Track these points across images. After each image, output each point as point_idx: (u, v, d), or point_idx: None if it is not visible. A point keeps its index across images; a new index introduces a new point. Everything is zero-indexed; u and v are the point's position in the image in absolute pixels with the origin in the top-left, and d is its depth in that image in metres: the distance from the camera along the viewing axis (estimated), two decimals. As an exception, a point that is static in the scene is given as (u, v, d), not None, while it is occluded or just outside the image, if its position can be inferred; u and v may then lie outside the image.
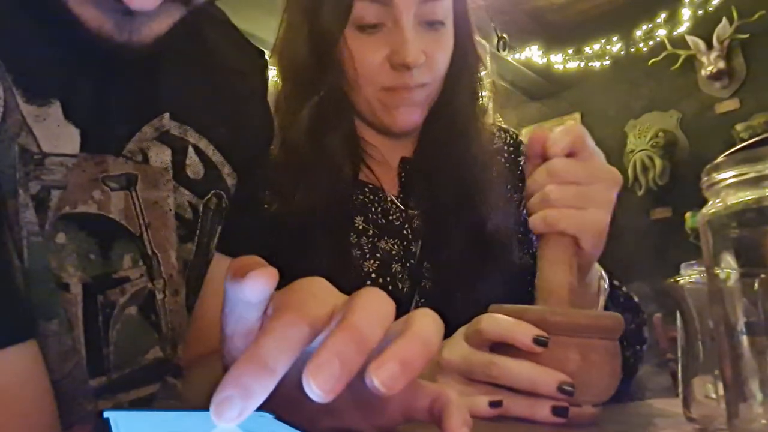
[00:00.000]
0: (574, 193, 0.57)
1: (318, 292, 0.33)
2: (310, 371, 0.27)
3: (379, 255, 0.76)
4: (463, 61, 0.80)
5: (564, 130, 0.58)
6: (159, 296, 0.49)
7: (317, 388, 0.27)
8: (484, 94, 0.83)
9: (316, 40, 0.75)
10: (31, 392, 0.40)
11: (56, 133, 0.42)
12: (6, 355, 0.38)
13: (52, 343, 0.41)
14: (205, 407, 0.27)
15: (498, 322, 0.52)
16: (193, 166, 0.52)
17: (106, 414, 0.28)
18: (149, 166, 0.49)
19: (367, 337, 0.29)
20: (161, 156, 0.50)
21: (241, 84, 0.60)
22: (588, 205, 0.57)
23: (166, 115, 0.51)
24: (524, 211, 0.75)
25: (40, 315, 0.40)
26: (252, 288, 0.30)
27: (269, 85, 0.67)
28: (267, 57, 0.66)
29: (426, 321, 0.32)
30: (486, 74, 0.83)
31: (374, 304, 0.31)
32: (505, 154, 0.87)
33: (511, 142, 0.90)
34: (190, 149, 0.52)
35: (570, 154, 0.58)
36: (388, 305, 0.31)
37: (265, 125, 0.65)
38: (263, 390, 0.27)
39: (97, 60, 0.44)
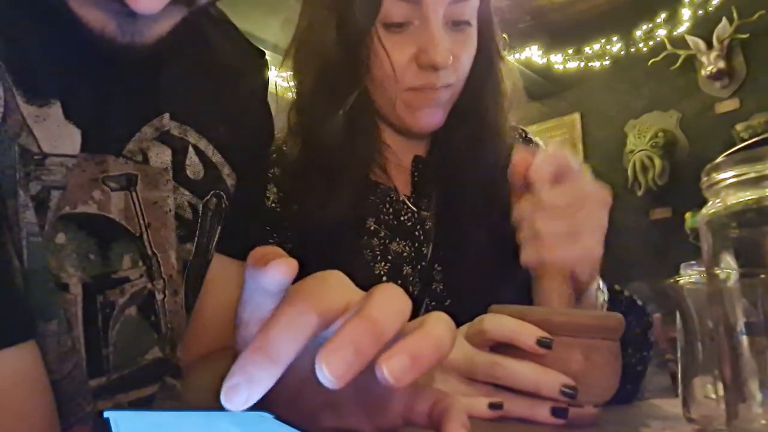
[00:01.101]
0: (565, 224, 0.56)
1: (335, 285, 0.33)
2: (324, 355, 0.27)
3: (390, 257, 0.75)
4: (487, 62, 0.79)
5: (547, 157, 0.57)
6: (158, 296, 0.49)
7: (329, 373, 0.27)
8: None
9: (345, 36, 0.73)
10: (30, 393, 0.39)
11: (56, 134, 0.42)
12: (5, 355, 0.38)
13: (51, 344, 0.41)
14: (205, 407, 0.27)
15: (502, 322, 0.52)
16: (193, 167, 0.52)
17: (106, 414, 0.28)
18: (149, 166, 0.49)
19: (384, 329, 0.29)
20: (161, 156, 0.50)
21: (241, 84, 0.60)
22: (580, 234, 0.56)
23: (167, 115, 0.51)
24: None
25: (40, 315, 0.40)
26: (273, 276, 0.30)
27: (274, 85, 0.66)
28: (267, 57, 0.66)
29: (440, 324, 0.32)
30: (506, 75, 0.82)
31: (392, 299, 0.31)
32: None
33: (521, 140, 0.89)
34: (190, 149, 0.52)
35: (555, 180, 0.57)
36: (405, 302, 0.32)
37: (265, 125, 0.65)
38: (268, 378, 0.28)
39: (97, 60, 0.44)
